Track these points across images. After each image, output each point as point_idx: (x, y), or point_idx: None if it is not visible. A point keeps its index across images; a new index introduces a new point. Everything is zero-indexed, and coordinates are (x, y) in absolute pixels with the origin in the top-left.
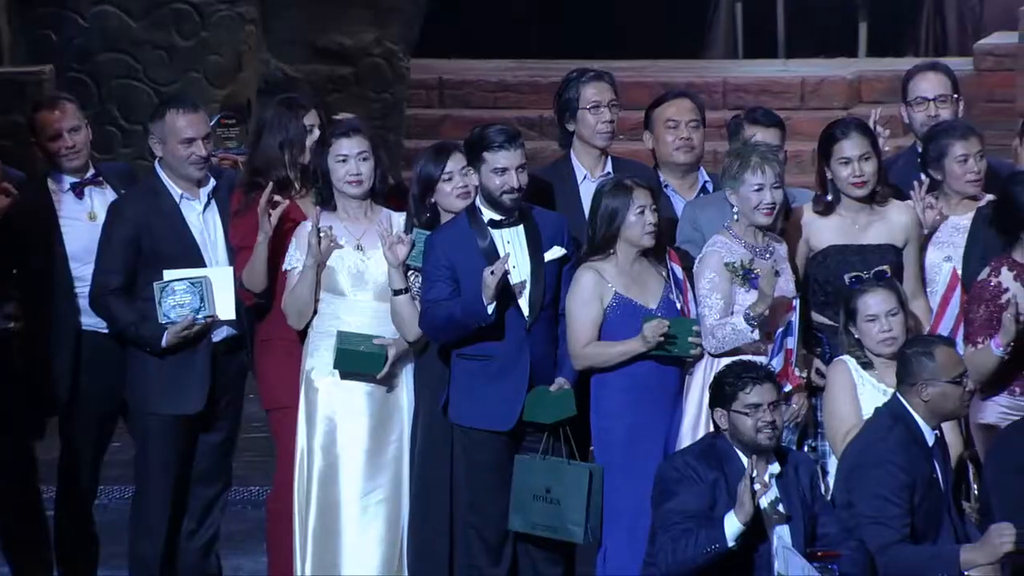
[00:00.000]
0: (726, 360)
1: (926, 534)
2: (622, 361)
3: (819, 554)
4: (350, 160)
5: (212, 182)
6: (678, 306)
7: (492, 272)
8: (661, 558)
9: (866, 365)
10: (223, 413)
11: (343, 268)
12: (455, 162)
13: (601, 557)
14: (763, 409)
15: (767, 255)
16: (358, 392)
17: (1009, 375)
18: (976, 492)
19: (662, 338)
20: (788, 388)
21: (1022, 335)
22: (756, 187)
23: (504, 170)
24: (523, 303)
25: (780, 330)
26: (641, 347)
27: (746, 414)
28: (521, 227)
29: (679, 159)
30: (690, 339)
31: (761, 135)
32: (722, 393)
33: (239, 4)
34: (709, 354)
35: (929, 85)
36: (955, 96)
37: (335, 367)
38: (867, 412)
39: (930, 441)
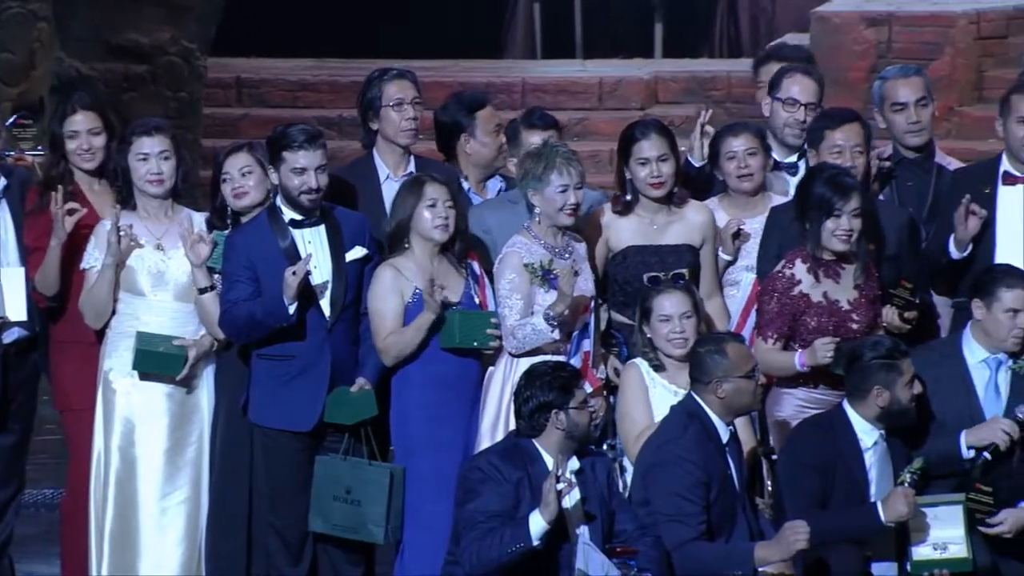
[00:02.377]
0: (527, 360)
1: (721, 530)
2: (425, 366)
3: (617, 550)
4: (151, 159)
5: (3, 181)
6: (476, 301)
7: (294, 272)
8: (466, 557)
9: (657, 368)
10: (15, 415)
11: (143, 268)
12: (233, 163)
13: (400, 556)
14: (591, 403)
15: (566, 255)
16: (157, 393)
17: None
18: (770, 488)
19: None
20: (588, 389)
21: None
22: (561, 188)
23: (303, 170)
24: (324, 303)
25: (577, 332)
26: (432, 314)
27: (583, 409)
28: (323, 227)
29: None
30: (488, 331)
31: (537, 138)
32: (559, 393)
33: (31, 2)
34: (510, 354)
35: (802, 89)
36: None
37: (134, 368)
38: (659, 414)
39: (724, 438)
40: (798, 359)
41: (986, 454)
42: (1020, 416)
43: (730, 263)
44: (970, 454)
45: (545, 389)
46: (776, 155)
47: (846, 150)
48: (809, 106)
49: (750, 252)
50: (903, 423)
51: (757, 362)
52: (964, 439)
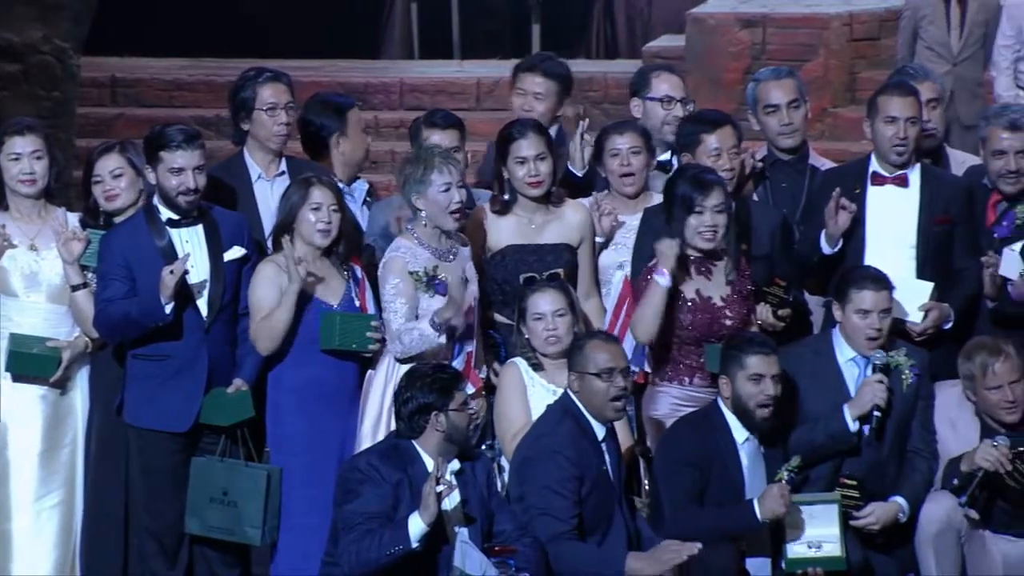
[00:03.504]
0: (409, 363)
1: (596, 527)
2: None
3: (496, 549)
4: (23, 159)
5: None
6: (357, 303)
7: (171, 271)
8: (344, 559)
9: (536, 366)
10: None
11: (16, 268)
12: (104, 164)
13: (275, 558)
14: (471, 405)
15: (451, 257)
16: (31, 395)
17: (680, 365)
18: (647, 487)
19: None
20: (471, 390)
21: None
22: (444, 187)
23: (181, 170)
24: (202, 303)
25: (460, 334)
26: (296, 287)
27: (463, 411)
28: (200, 226)
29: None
30: (368, 334)
31: (438, 137)
32: (438, 395)
33: None
34: (395, 358)
35: (671, 86)
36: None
37: (7, 370)
38: (538, 414)
39: (600, 435)
40: (657, 274)
41: (877, 413)
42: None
43: (603, 246)
44: (856, 426)
45: (425, 391)
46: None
47: (723, 153)
48: (683, 101)
49: (622, 243)
50: (749, 422)
51: (618, 366)
52: (848, 413)
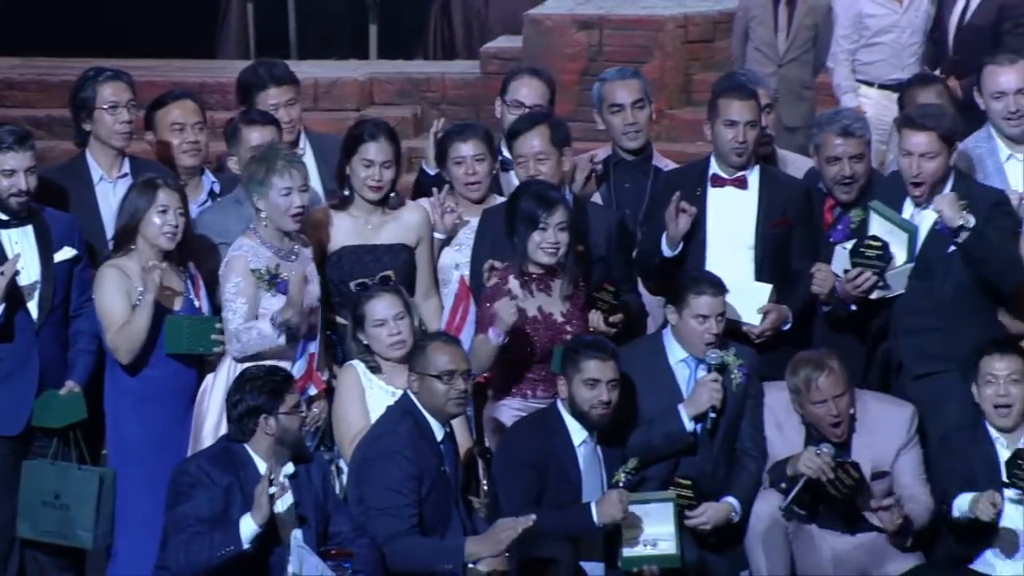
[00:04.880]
0: (248, 364)
1: (435, 527)
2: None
3: (332, 552)
4: None
5: None
6: (196, 304)
7: (2, 272)
8: (173, 561)
9: (374, 369)
10: None
11: None
12: None
13: (112, 562)
14: (301, 410)
15: (293, 257)
16: None
17: (522, 378)
18: (486, 487)
19: None
20: (313, 392)
21: (525, 339)
22: (284, 191)
23: (12, 172)
24: (32, 305)
25: (303, 334)
26: (152, 297)
27: (294, 414)
28: (30, 227)
29: (186, 162)
30: (213, 336)
31: (258, 135)
32: (268, 398)
33: None
34: (233, 358)
35: (530, 91)
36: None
37: None
38: (376, 416)
39: (439, 436)
40: (492, 332)
41: (712, 414)
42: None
43: (444, 244)
44: (692, 426)
45: (255, 393)
46: (510, 155)
47: (529, 159)
48: (535, 108)
49: (465, 243)
50: (589, 424)
51: (459, 368)
52: (684, 413)
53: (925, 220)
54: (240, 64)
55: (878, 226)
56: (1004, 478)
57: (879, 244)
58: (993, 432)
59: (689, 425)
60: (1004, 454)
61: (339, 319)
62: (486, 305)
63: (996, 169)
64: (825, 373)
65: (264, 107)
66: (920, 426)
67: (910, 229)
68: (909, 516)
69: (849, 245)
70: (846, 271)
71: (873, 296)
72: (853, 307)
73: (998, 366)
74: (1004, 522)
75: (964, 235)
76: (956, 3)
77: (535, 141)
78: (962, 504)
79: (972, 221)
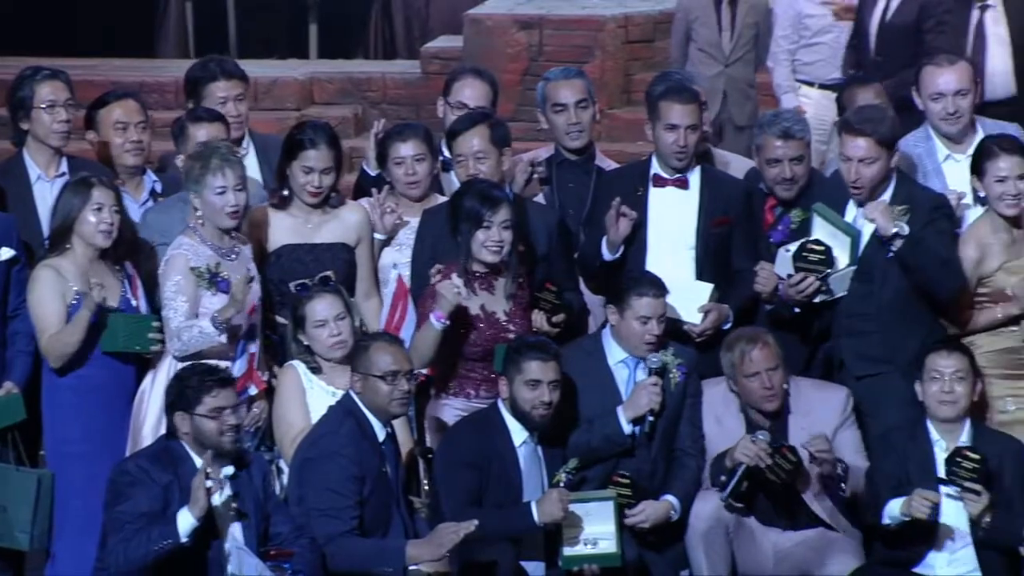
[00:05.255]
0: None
1: (376, 528)
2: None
3: (272, 552)
4: None
5: None
6: (133, 303)
7: None
8: (112, 560)
9: (315, 369)
10: None
11: None
12: None
13: (51, 563)
14: (227, 412)
15: (233, 256)
16: None
17: (465, 378)
18: (427, 487)
19: None
20: (254, 391)
21: (467, 337)
22: (219, 190)
23: None
24: None
25: (243, 333)
26: (88, 311)
27: (213, 418)
28: None
29: (128, 161)
30: (150, 335)
31: (204, 132)
32: (184, 397)
33: None
34: (174, 356)
35: (473, 92)
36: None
37: None
38: (317, 416)
39: (381, 436)
40: (434, 317)
41: (651, 417)
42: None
43: (384, 244)
44: (630, 428)
45: (173, 390)
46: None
47: (468, 158)
48: (468, 107)
49: (405, 243)
50: (530, 423)
51: (402, 368)
52: (622, 415)
53: (868, 223)
54: (180, 63)
55: (821, 229)
56: (943, 475)
57: (822, 249)
58: (934, 434)
59: (627, 428)
60: (942, 455)
61: (279, 318)
62: (428, 301)
63: (935, 169)
64: (759, 346)
65: (212, 101)
66: (860, 425)
67: (853, 233)
68: (845, 465)
69: (792, 248)
70: (790, 275)
71: (816, 300)
72: (796, 309)
73: (943, 363)
74: (943, 519)
75: (898, 243)
76: (877, 4)
77: (475, 140)
78: (893, 509)
79: (906, 229)
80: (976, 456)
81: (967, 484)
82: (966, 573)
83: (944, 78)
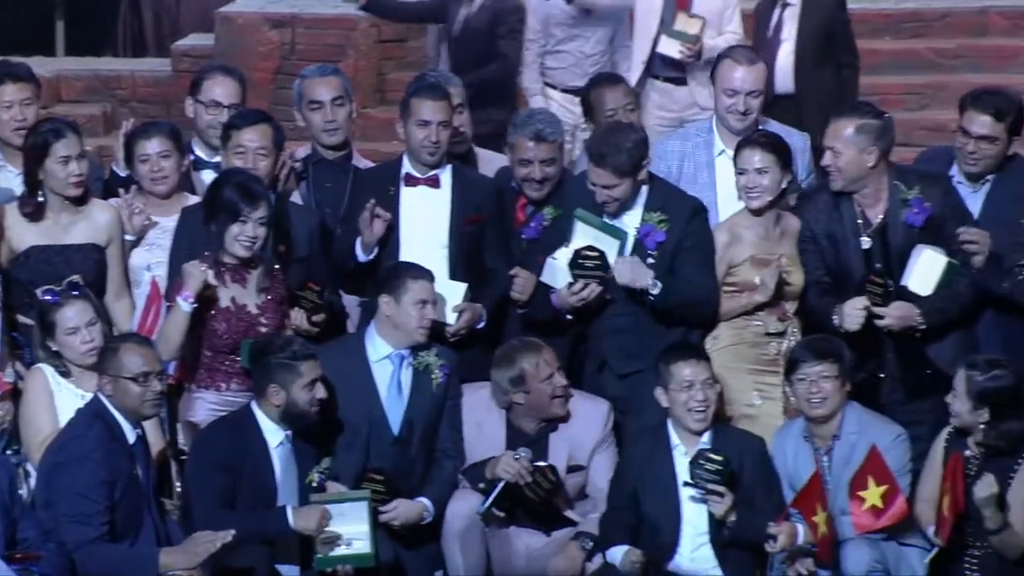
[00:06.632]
0: None
1: (127, 532)
2: None
3: (18, 556)
4: None
5: None
6: None
7: None
8: None
9: (64, 373)
10: None
11: None
12: None
13: None
14: None
15: None
16: None
17: (216, 370)
18: (179, 489)
19: None
20: None
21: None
22: None
23: None
24: None
25: None
26: None
27: None
28: None
29: None
30: None
31: None
32: None
33: None
34: None
35: (225, 90)
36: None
37: None
38: (66, 419)
39: (131, 439)
40: (180, 297)
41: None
42: None
43: (134, 245)
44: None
45: None
46: (202, 154)
47: (249, 152)
48: (231, 107)
49: (156, 244)
50: (303, 425)
51: (155, 371)
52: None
53: (629, 226)
54: None
55: (584, 234)
56: (688, 479)
57: (596, 255)
58: (674, 439)
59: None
60: (682, 459)
61: (23, 319)
62: (177, 286)
63: (708, 161)
64: (543, 350)
65: None
66: (622, 423)
67: (620, 236)
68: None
69: (558, 256)
70: (570, 285)
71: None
72: (569, 316)
73: (688, 372)
74: (684, 525)
75: (649, 299)
76: (461, 7)
77: (258, 136)
78: (616, 555)
79: (657, 287)
80: (718, 458)
81: (710, 486)
82: (708, 571)
83: (740, 75)
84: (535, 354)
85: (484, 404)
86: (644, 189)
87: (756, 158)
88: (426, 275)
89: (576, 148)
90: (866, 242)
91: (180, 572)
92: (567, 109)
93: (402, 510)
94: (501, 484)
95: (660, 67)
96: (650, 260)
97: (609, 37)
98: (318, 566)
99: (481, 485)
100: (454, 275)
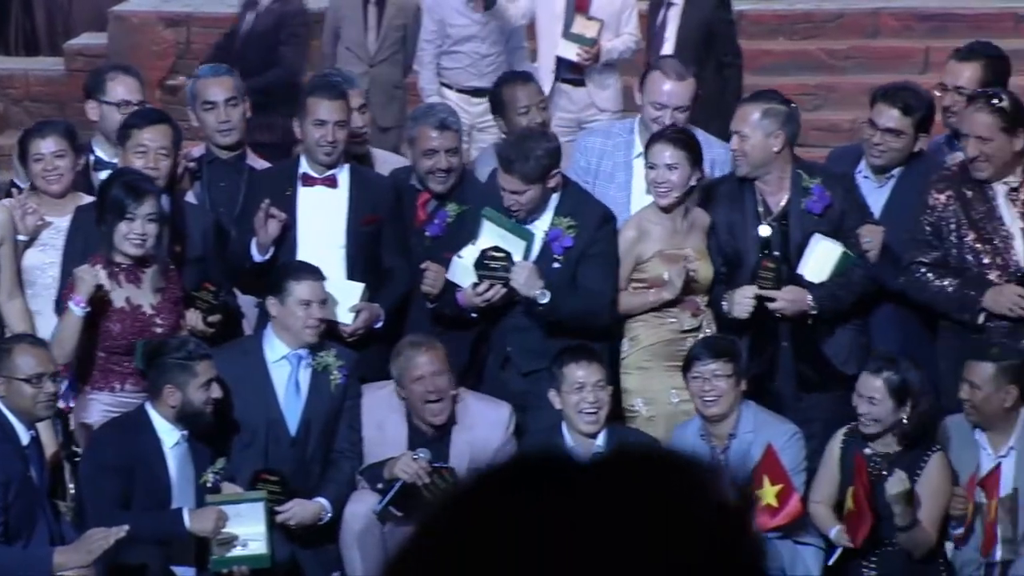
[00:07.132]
0: None
1: (20, 533)
2: None
3: None
4: None
5: None
6: None
7: None
8: None
9: None
10: None
11: None
12: None
13: None
14: None
15: None
16: None
17: (110, 371)
18: (73, 491)
19: None
20: None
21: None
22: None
23: None
24: None
25: None
26: None
27: None
28: None
29: None
30: None
31: None
32: None
33: None
34: None
35: (126, 89)
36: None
37: None
38: None
39: (25, 440)
40: (72, 302)
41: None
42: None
43: (27, 246)
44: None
45: None
46: (103, 154)
47: (150, 151)
48: (139, 105)
49: (50, 244)
50: (199, 425)
51: (49, 371)
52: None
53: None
54: None
55: (491, 233)
56: None
57: (503, 255)
58: (568, 440)
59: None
60: None
61: None
62: (69, 289)
63: (626, 162)
64: (424, 349)
65: None
66: (523, 420)
67: (527, 237)
68: None
69: (464, 254)
70: (475, 284)
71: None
72: (474, 315)
73: (580, 374)
74: None
75: (536, 308)
76: (247, 11)
77: (159, 135)
78: None
79: (545, 297)
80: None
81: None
82: None
83: (668, 89)
84: (415, 352)
85: (385, 404)
86: (552, 201)
87: (667, 154)
88: (311, 275)
89: (472, 149)
90: (766, 230)
91: (74, 570)
92: (463, 109)
93: (298, 510)
94: (399, 484)
95: (559, 69)
96: (556, 265)
97: (506, 38)
98: (214, 567)
99: (379, 485)
100: (352, 275)
